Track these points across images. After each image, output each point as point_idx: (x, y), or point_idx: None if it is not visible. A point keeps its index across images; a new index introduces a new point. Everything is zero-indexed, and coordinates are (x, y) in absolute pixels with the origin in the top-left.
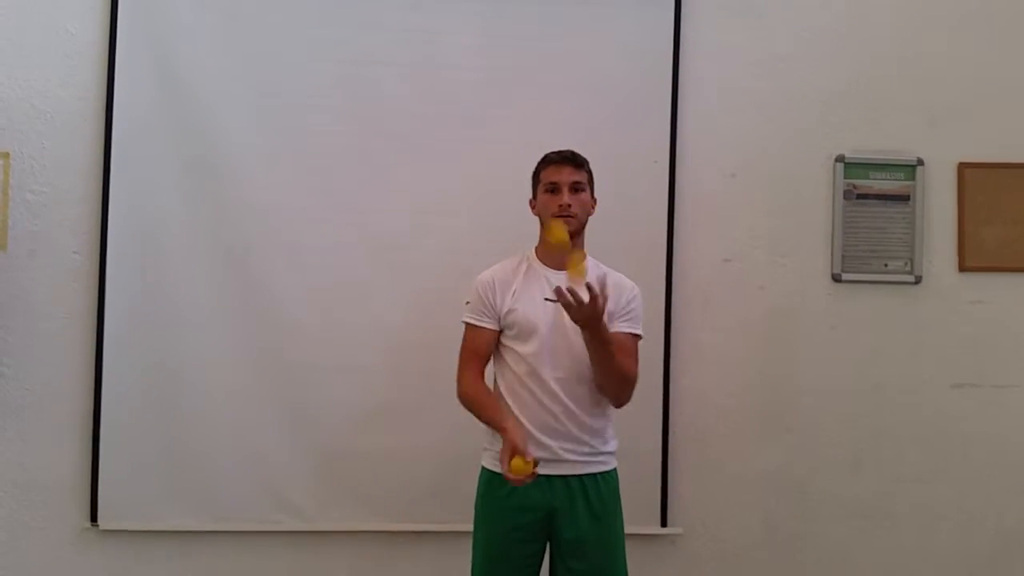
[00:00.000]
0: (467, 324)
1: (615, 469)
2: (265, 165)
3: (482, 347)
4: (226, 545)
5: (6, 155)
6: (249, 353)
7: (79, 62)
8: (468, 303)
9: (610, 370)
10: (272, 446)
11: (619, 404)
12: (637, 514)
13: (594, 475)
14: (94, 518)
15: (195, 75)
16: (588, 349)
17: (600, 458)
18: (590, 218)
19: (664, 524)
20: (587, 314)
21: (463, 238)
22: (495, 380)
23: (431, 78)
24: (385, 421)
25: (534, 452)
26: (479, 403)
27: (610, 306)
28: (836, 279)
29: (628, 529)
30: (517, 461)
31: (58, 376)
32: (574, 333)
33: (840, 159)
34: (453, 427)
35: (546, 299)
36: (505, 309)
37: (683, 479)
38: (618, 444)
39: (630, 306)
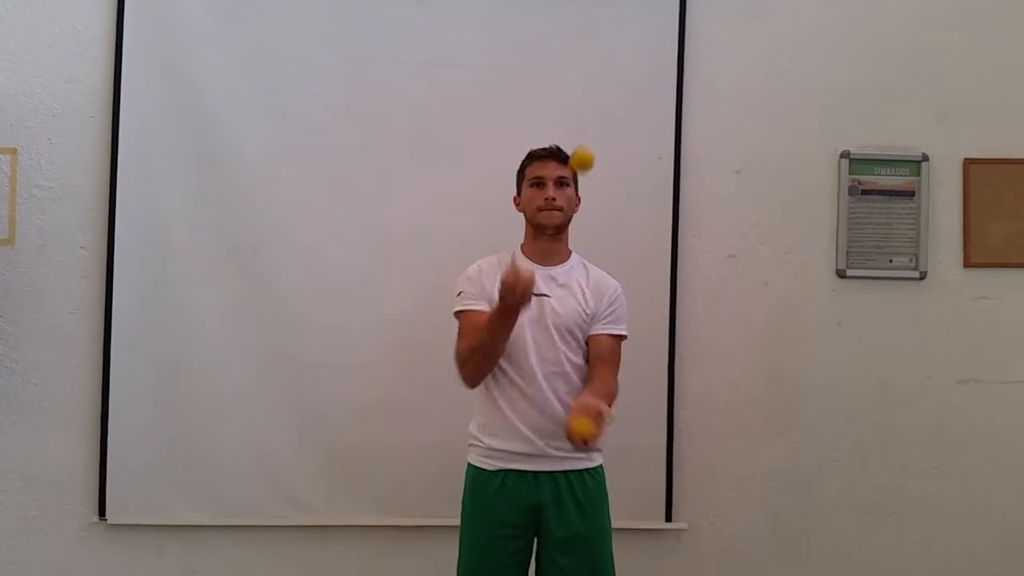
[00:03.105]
0: (462, 312)
1: (601, 465)
2: (272, 163)
3: (477, 327)
4: (233, 539)
5: (13, 151)
6: (255, 349)
7: (86, 59)
8: (460, 294)
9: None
10: (279, 441)
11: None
12: (642, 509)
13: (580, 471)
14: (102, 512)
15: (202, 72)
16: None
17: (587, 453)
18: (593, 215)
19: (669, 519)
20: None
21: (469, 236)
22: (484, 383)
23: (437, 76)
24: (391, 417)
25: (520, 447)
26: (474, 338)
27: (592, 307)
28: (841, 275)
29: (633, 524)
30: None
31: (66, 371)
32: (555, 328)
33: (845, 155)
34: (458, 423)
35: (534, 294)
36: (496, 296)
37: (688, 474)
38: (613, 441)
39: (612, 306)
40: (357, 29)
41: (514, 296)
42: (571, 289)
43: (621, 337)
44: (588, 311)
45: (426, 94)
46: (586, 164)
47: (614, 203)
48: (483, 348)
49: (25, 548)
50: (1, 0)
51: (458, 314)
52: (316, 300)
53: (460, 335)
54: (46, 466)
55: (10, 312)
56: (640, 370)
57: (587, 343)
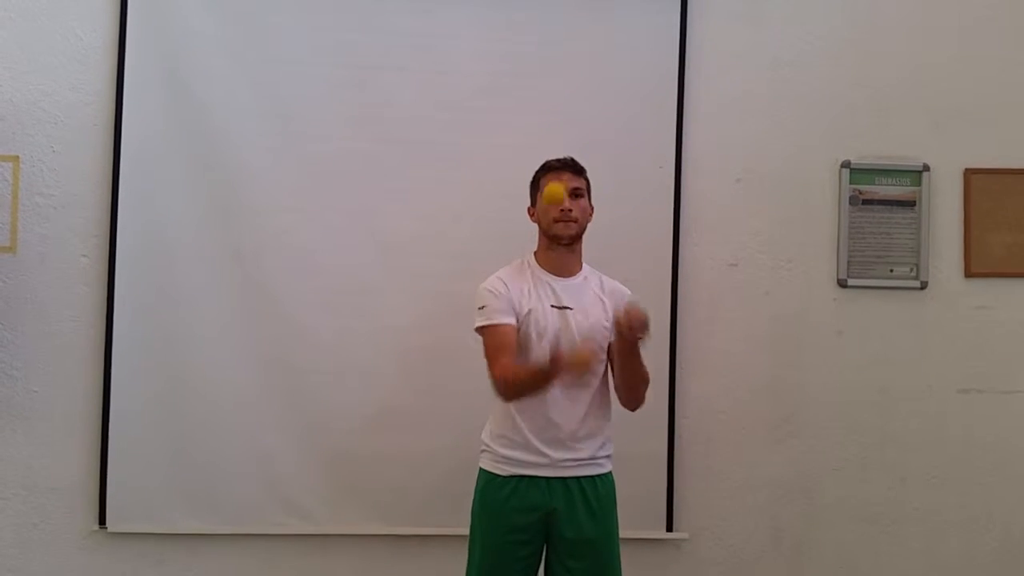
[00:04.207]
0: (487, 327)
1: (611, 472)
2: (273, 170)
3: (510, 343)
4: (234, 548)
5: (16, 159)
6: (257, 356)
7: (88, 67)
8: (482, 308)
9: (638, 377)
10: (279, 449)
11: (636, 407)
12: (643, 518)
13: (592, 477)
14: (102, 521)
15: (203, 79)
16: (621, 359)
17: (598, 462)
18: (594, 223)
19: (670, 528)
20: (640, 336)
21: (470, 242)
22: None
23: (438, 83)
24: (392, 425)
25: (533, 459)
26: (517, 373)
27: (612, 316)
28: (842, 284)
29: (634, 533)
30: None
31: (67, 379)
32: (579, 339)
33: (846, 164)
34: (460, 431)
35: (552, 306)
36: (525, 309)
37: (689, 483)
38: (614, 449)
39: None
40: (359, 36)
41: (570, 372)
42: (591, 300)
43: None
44: (609, 319)
45: (427, 101)
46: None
47: (615, 211)
48: (529, 394)
49: (25, 556)
50: (4, 8)
51: (482, 329)
52: (317, 307)
53: (494, 352)
54: (47, 474)
55: (12, 320)
56: None
57: (608, 347)
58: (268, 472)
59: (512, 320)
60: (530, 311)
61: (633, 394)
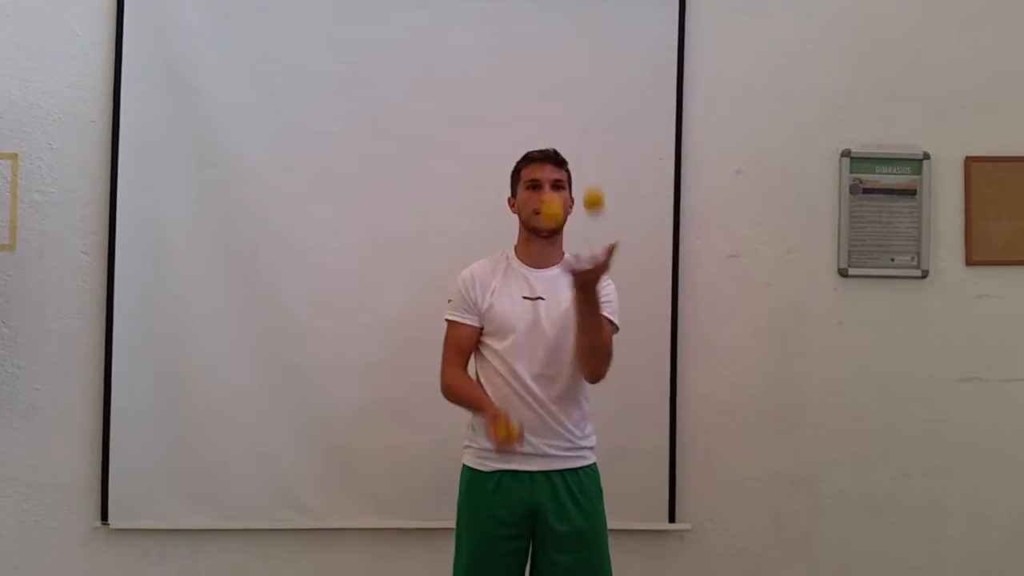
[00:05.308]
0: (449, 321)
1: (595, 464)
2: (272, 166)
3: (463, 343)
4: (236, 543)
5: (14, 156)
6: (257, 352)
7: (86, 63)
8: (450, 301)
9: (596, 340)
10: (281, 444)
11: (595, 379)
12: (645, 509)
13: (575, 470)
14: (105, 517)
15: (201, 76)
16: (578, 316)
17: (581, 452)
18: (593, 218)
19: (672, 520)
20: (591, 277)
21: (469, 237)
22: (477, 377)
23: (437, 78)
24: (393, 419)
25: (517, 448)
26: (461, 391)
27: None
28: (843, 274)
29: (637, 525)
30: (502, 425)
31: (68, 376)
32: (551, 330)
33: (846, 154)
34: (459, 424)
35: (524, 297)
36: (485, 305)
37: (691, 475)
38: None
39: (606, 292)
40: (356, 31)
41: (495, 434)
42: (566, 289)
43: (611, 324)
44: None
45: (425, 96)
46: (597, 203)
47: (615, 204)
48: (465, 407)
49: (28, 553)
50: (0, 6)
51: (446, 320)
52: (316, 302)
53: (449, 351)
54: (48, 471)
55: (12, 317)
56: (642, 371)
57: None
58: (269, 467)
59: (472, 321)
60: (489, 307)
61: (589, 361)
